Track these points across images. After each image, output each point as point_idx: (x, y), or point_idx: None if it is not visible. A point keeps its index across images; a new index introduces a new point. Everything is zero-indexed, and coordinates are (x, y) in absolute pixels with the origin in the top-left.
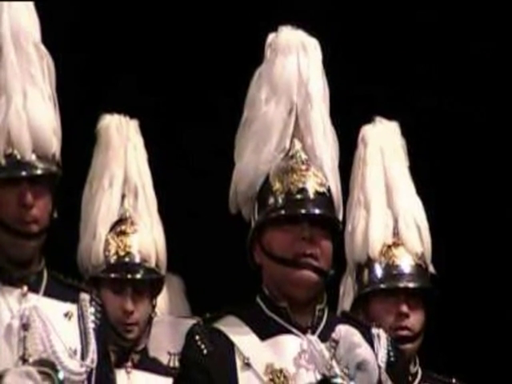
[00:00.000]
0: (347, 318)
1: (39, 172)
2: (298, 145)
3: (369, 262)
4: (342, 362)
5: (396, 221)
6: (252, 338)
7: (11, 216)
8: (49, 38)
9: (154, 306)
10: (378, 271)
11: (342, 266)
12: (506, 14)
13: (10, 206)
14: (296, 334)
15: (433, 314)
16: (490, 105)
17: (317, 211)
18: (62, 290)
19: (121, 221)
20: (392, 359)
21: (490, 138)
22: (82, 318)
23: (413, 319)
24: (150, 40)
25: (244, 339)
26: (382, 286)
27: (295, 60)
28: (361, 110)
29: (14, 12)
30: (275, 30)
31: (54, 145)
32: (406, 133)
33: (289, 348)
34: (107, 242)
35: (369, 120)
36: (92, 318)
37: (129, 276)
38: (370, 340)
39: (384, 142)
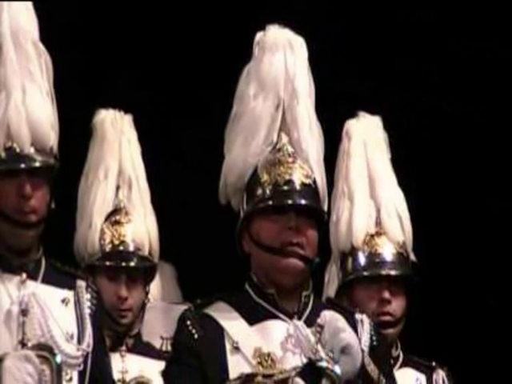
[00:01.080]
0: (332, 304)
1: (37, 164)
2: (284, 138)
3: (352, 251)
4: (326, 346)
5: (378, 211)
6: (241, 323)
7: (11, 206)
8: (47, 36)
9: (147, 293)
10: (362, 259)
11: (326, 255)
12: (506, 13)
13: (10, 197)
14: (283, 320)
15: (414, 300)
16: (469, 97)
17: (303, 202)
18: (60, 277)
19: (115, 211)
20: (375, 343)
21: (469, 129)
22: (78, 303)
23: (394, 305)
24: (144, 38)
25: (233, 324)
26: (365, 273)
27: (282, 57)
28: (345, 106)
29: (14, 11)
30: (263, 28)
31: (52, 138)
32: (388, 127)
33: (276, 333)
34: (102, 232)
35: (352, 115)
36: (88, 303)
37: (123, 264)
38: (353, 325)
39: (367, 135)
